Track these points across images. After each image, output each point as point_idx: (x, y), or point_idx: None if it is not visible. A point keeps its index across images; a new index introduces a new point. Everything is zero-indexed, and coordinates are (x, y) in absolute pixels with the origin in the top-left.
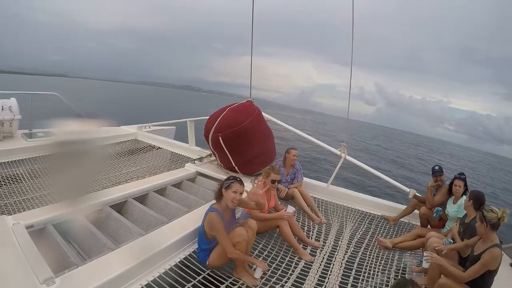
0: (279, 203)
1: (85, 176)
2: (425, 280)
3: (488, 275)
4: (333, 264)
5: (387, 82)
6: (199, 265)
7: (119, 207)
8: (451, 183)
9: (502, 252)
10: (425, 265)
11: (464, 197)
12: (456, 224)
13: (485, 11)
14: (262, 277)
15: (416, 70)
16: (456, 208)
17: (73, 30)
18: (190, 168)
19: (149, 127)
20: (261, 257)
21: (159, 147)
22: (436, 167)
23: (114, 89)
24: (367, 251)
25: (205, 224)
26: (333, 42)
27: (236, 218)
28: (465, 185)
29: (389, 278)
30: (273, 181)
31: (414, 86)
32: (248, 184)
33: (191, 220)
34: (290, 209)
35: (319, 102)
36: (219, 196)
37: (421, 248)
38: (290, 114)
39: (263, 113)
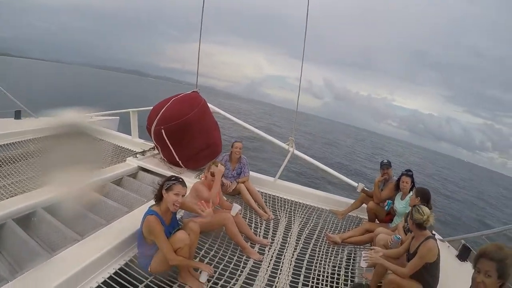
0: (225, 199)
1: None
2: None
3: (432, 268)
4: (283, 262)
5: (335, 77)
6: (140, 271)
7: (54, 208)
8: (398, 179)
9: (449, 244)
10: (363, 264)
11: (412, 193)
12: (402, 220)
13: (440, 17)
14: (209, 280)
15: (364, 68)
16: (404, 204)
17: (23, 5)
18: (131, 163)
19: (91, 117)
20: (208, 258)
21: (100, 139)
22: (385, 161)
23: (61, 71)
24: (316, 247)
25: (144, 228)
26: (286, 35)
27: (180, 217)
28: (412, 181)
29: (339, 274)
30: (212, 174)
31: (361, 82)
32: (192, 180)
33: (132, 221)
34: (236, 207)
35: (268, 93)
36: (159, 197)
37: (370, 243)
38: (238, 104)
39: (209, 104)
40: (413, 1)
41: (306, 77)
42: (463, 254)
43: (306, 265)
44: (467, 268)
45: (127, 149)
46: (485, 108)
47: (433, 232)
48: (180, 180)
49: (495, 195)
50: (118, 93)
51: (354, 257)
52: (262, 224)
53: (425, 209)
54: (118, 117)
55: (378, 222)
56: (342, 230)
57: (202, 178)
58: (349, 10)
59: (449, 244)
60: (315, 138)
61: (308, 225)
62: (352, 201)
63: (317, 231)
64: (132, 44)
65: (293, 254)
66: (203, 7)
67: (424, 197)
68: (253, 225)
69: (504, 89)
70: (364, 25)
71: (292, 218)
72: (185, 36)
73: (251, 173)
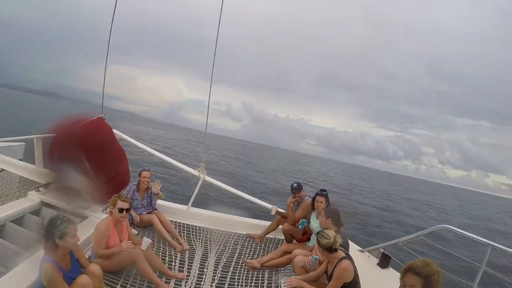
0: (135, 232)
1: None
2: None
3: (351, 287)
4: None
5: (254, 100)
6: None
7: None
8: (314, 199)
9: (369, 254)
10: None
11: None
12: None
13: (350, 42)
14: None
15: (281, 91)
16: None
17: None
18: (34, 198)
19: None
20: None
21: (1, 169)
22: (294, 184)
23: None
24: (235, 275)
25: (42, 278)
26: (204, 59)
27: (88, 256)
28: (327, 200)
29: None
30: (120, 210)
31: (279, 105)
32: (99, 214)
33: (35, 267)
34: (146, 241)
35: (187, 117)
36: (52, 248)
37: (290, 264)
38: (154, 130)
39: (115, 131)
40: (321, 28)
41: (224, 100)
42: (384, 262)
43: None
44: (389, 275)
45: (31, 180)
46: (395, 122)
47: (349, 249)
48: (66, 219)
49: (411, 200)
50: (28, 117)
51: (275, 280)
52: (176, 256)
53: (330, 232)
54: (24, 144)
55: (296, 242)
56: (261, 253)
57: (108, 214)
58: (264, 35)
59: (369, 254)
60: (236, 161)
61: (225, 253)
62: (268, 223)
63: (235, 258)
64: (47, 63)
65: (211, 285)
66: (110, 30)
67: (334, 216)
68: (167, 258)
69: (410, 105)
70: (278, 50)
71: (209, 246)
72: (104, 57)
73: (163, 202)
